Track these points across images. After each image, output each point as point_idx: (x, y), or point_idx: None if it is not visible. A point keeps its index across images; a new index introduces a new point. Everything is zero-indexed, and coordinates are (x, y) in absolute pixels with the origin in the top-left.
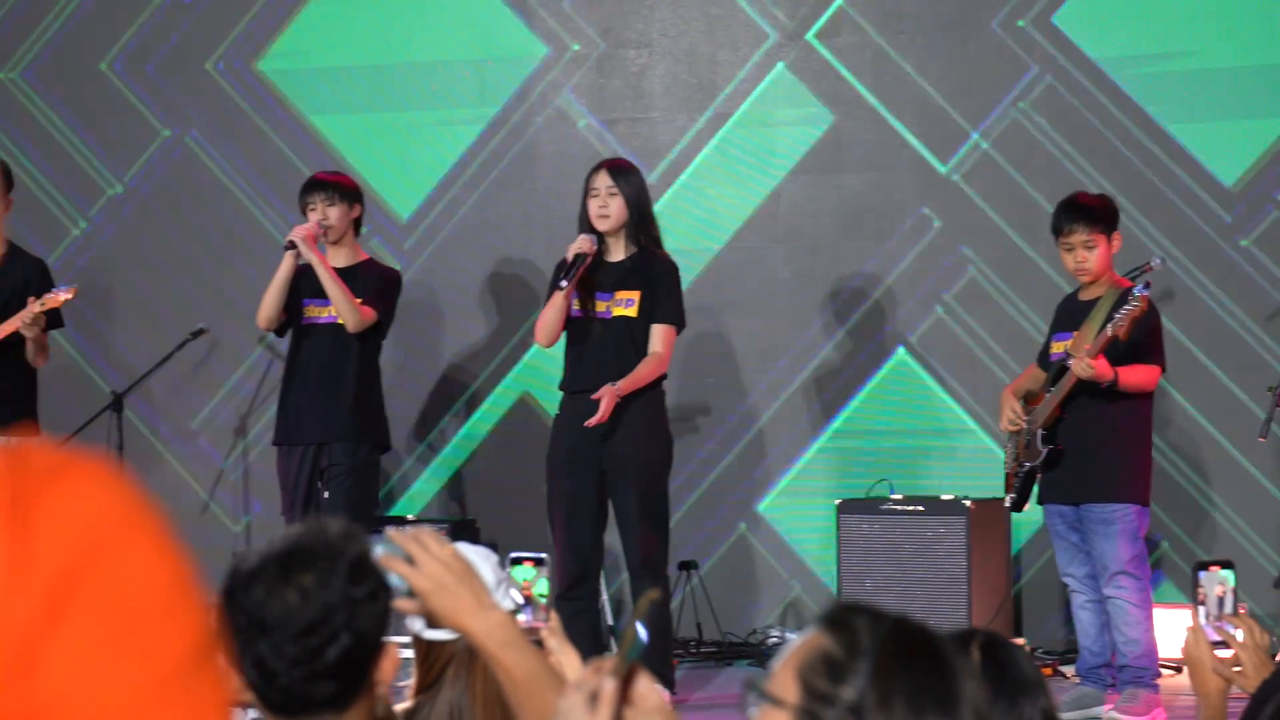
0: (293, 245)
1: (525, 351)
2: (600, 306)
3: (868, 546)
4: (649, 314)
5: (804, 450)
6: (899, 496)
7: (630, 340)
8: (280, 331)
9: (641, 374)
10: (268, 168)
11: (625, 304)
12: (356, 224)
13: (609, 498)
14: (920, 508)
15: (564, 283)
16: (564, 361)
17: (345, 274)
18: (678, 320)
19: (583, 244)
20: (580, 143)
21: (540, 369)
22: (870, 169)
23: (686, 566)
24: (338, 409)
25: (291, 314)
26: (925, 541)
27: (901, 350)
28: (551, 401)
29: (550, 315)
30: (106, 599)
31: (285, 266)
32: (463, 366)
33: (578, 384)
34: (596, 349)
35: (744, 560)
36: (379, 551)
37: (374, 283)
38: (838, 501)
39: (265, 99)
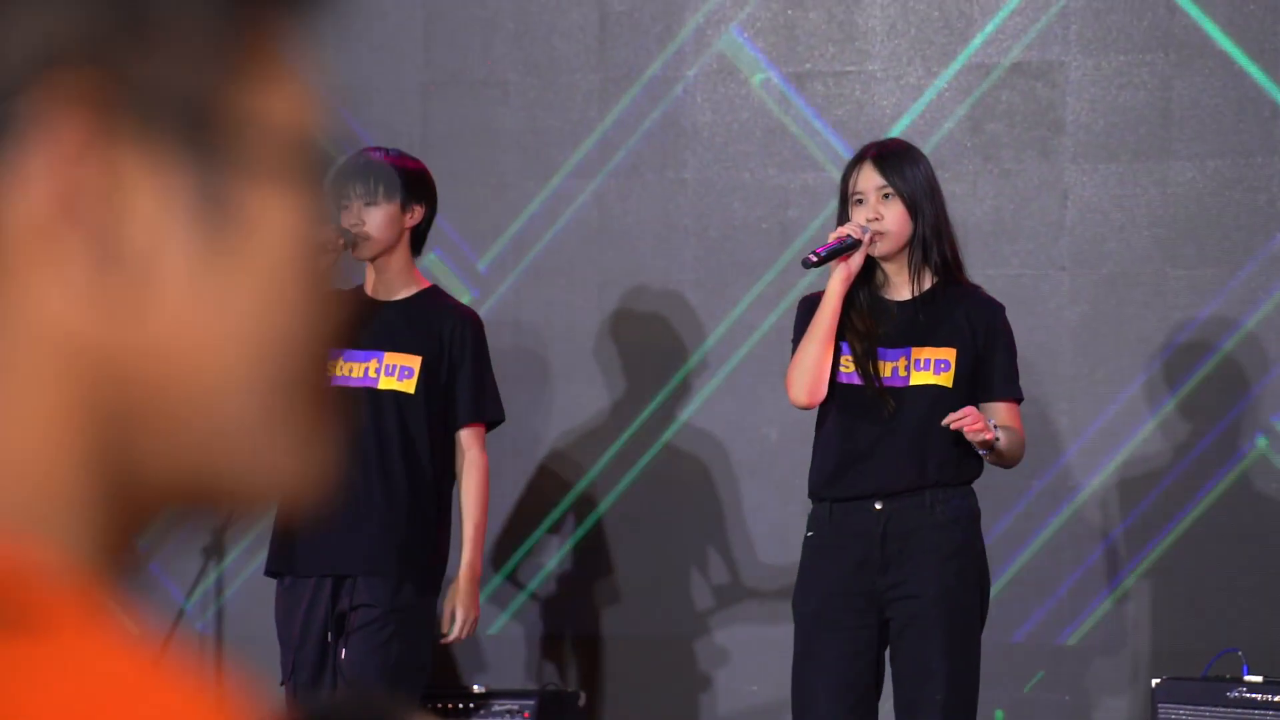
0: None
1: (666, 427)
2: (886, 369)
3: None
4: (969, 382)
5: (1099, 593)
6: (1257, 678)
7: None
8: None
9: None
10: None
11: (935, 367)
12: (418, 237)
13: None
14: None
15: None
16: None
17: (398, 311)
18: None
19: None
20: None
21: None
22: (1219, 152)
23: None
24: (368, 526)
25: None
26: None
27: (1262, 440)
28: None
29: (810, 360)
30: None
31: None
32: (570, 453)
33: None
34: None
35: None
36: None
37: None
38: (1155, 681)
39: None
